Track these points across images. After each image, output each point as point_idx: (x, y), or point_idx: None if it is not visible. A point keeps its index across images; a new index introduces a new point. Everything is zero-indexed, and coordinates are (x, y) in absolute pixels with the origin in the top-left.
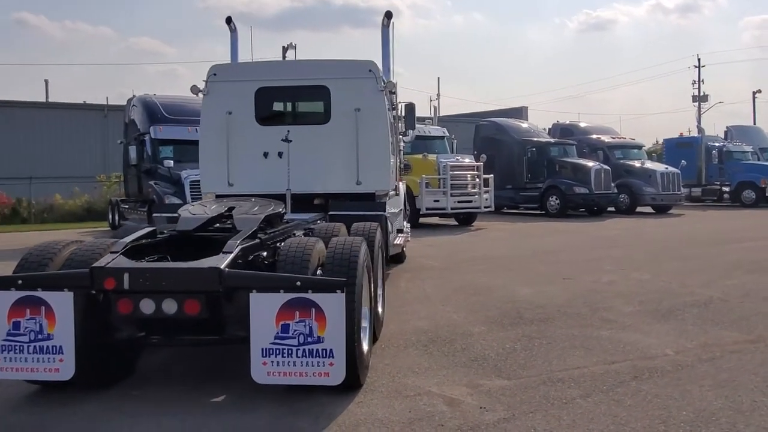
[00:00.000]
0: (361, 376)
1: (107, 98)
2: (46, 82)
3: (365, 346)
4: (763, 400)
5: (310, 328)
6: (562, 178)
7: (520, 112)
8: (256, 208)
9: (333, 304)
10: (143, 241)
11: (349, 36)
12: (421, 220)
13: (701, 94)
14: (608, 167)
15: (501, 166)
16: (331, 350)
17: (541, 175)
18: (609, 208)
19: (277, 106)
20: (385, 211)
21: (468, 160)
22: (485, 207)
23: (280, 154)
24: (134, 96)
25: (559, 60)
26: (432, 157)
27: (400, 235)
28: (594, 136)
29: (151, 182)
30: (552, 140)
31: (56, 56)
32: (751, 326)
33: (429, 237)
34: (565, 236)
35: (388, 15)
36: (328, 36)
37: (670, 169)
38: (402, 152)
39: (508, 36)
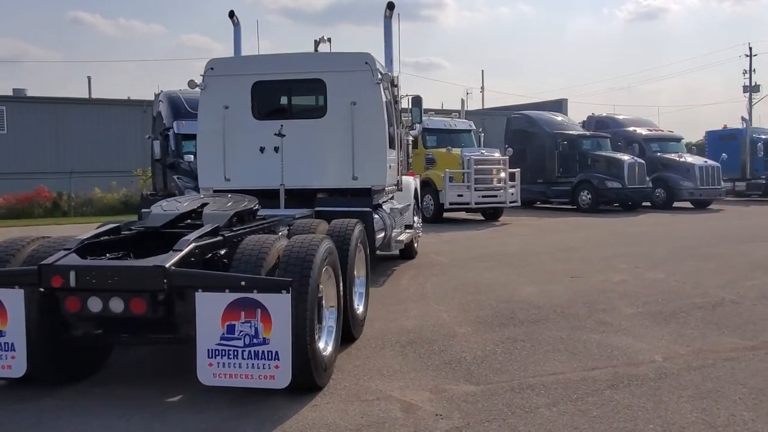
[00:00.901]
0: (318, 379)
1: (155, 94)
2: (89, 78)
3: (327, 348)
4: (742, 414)
5: (256, 329)
6: (595, 172)
7: (559, 105)
8: (229, 204)
9: (278, 304)
10: (104, 238)
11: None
12: (447, 215)
13: (752, 84)
14: (642, 161)
15: (532, 159)
16: (276, 352)
17: (573, 169)
18: (645, 204)
19: (274, 100)
20: (372, 207)
21: (495, 154)
22: (511, 202)
23: (276, 149)
24: (161, 91)
25: (607, 51)
26: (456, 150)
27: (407, 231)
28: (630, 129)
29: (174, 176)
30: (584, 133)
31: (109, 53)
32: (756, 331)
33: (449, 232)
34: (590, 232)
35: (390, 6)
36: (371, 29)
37: (710, 162)
38: (410, 146)
39: (555, 27)
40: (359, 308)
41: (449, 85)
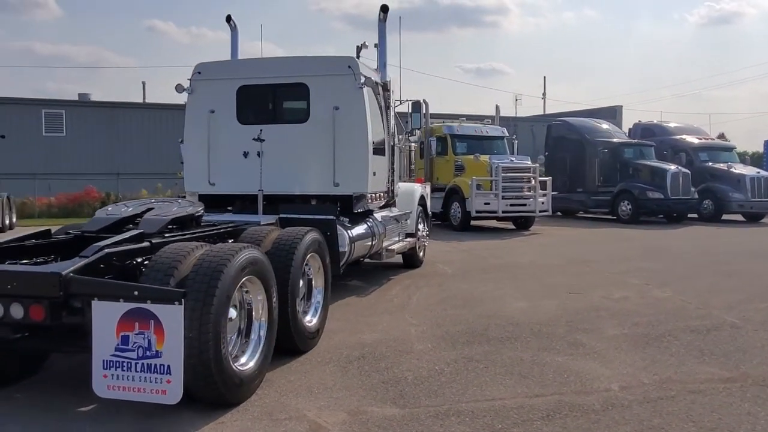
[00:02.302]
0: (230, 394)
1: None
2: (144, 84)
3: (248, 363)
4: None
5: (149, 341)
6: (636, 181)
7: (614, 112)
8: (174, 209)
9: (171, 316)
10: (32, 241)
11: (454, 36)
12: (477, 223)
13: None
14: (687, 171)
15: (572, 168)
16: (168, 366)
17: (613, 178)
18: (691, 216)
19: (259, 105)
20: (336, 215)
21: (526, 162)
22: (541, 211)
23: (259, 154)
24: None
25: (676, 56)
26: (484, 158)
27: (408, 239)
28: (677, 137)
29: None
30: (626, 141)
31: (183, 59)
32: (741, 361)
33: (471, 241)
34: (618, 244)
35: (384, 9)
36: (434, 36)
37: (763, 173)
38: (413, 152)
39: (621, 32)
40: (312, 320)
41: (511, 91)
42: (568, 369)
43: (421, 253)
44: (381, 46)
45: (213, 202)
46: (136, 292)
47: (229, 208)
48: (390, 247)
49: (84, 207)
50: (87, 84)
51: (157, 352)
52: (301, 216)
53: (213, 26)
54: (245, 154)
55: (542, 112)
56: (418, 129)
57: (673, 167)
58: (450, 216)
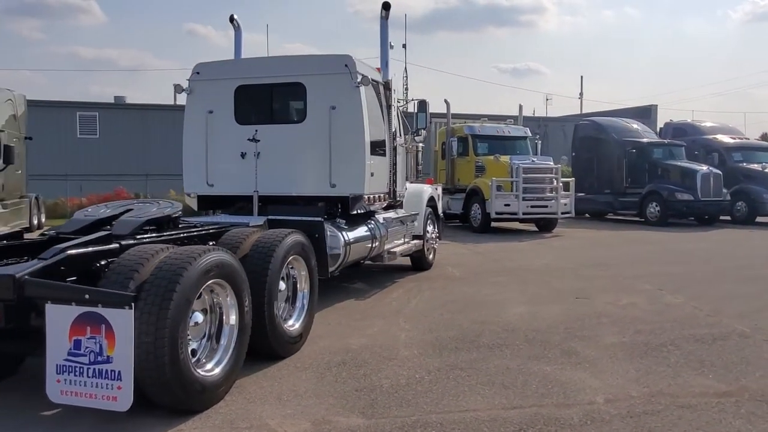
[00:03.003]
0: (191, 401)
1: None
2: (175, 86)
3: (214, 369)
4: None
5: (101, 345)
6: (665, 182)
7: (648, 111)
8: (153, 210)
9: (121, 321)
10: (4, 242)
11: (491, 35)
12: (500, 225)
13: None
14: (719, 171)
15: (600, 168)
16: (119, 372)
17: (642, 179)
18: (724, 218)
19: (256, 105)
20: (324, 217)
21: (548, 162)
22: (563, 213)
23: (257, 154)
24: None
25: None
26: (504, 158)
27: (414, 241)
28: (710, 137)
29: None
30: (655, 141)
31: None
32: (743, 373)
33: (488, 243)
34: (641, 247)
35: (386, 6)
36: (470, 36)
37: None
38: (420, 152)
39: (662, 30)
40: (294, 325)
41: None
42: (555, 379)
43: (431, 256)
44: (383, 45)
45: (212, 203)
46: (87, 296)
47: (218, 210)
48: (392, 250)
49: None
50: (128, 87)
51: (108, 358)
52: (289, 218)
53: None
54: (243, 155)
55: (579, 112)
56: (424, 129)
57: (703, 168)
58: (470, 218)
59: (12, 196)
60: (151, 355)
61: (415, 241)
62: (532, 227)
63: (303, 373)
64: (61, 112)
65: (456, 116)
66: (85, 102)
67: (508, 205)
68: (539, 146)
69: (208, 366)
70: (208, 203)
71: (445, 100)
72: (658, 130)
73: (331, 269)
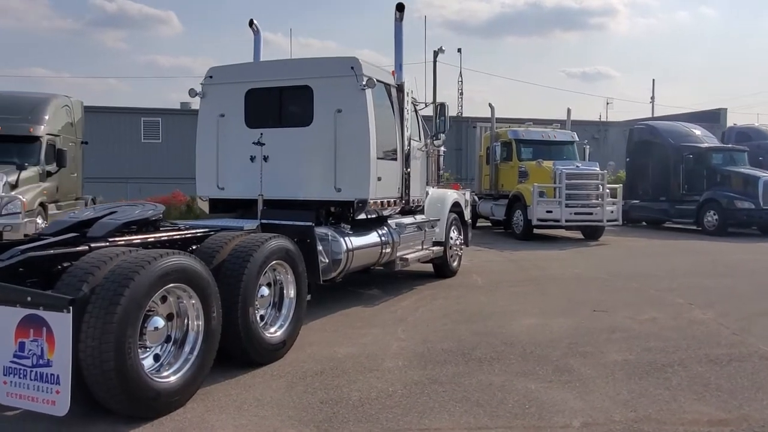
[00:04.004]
0: (141, 408)
1: None
2: (189, 91)
3: (171, 377)
4: None
5: (42, 349)
6: (724, 190)
7: (717, 115)
8: (137, 212)
9: (60, 324)
10: None
11: (559, 39)
12: (545, 232)
13: None
14: None
15: (655, 175)
16: (57, 376)
17: (700, 186)
18: None
19: (266, 108)
20: (314, 222)
21: (594, 168)
22: (609, 221)
23: (266, 158)
24: None
25: None
26: (548, 164)
27: (434, 248)
28: None
29: None
30: (715, 146)
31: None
32: (751, 400)
33: (525, 251)
34: (688, 258)
35: (400, 8)
36: (538, 40)
37: None
38: (442, 157)
39: (742, 31)
40: (276, 332)
41: (617, 95)
42: (536, 398)
43: (455, 263)
44: (397, 47)
45: (223, 207)
46: (29, 298)
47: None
48: (405, 256)
49: (171, 210)
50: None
51: (48, 361)
52: (280, 222)
53: (321, 37)
54: (252, 159)
55: (651, 116)
56: (443, 133)
57: (766, 174)
58: (512, 224)
59: (67, 198)
60: (97, 360)
61: (436, 248)
62: (578, 235)
63: (275, 382)
64: (127, 118)
65: (504, 120)
66: (149, 108)
67: (551, 211)
68: (587, 151)
69: (166, 373)
70: (220, 206)
71: (490, 104)
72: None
73: (332, 275)
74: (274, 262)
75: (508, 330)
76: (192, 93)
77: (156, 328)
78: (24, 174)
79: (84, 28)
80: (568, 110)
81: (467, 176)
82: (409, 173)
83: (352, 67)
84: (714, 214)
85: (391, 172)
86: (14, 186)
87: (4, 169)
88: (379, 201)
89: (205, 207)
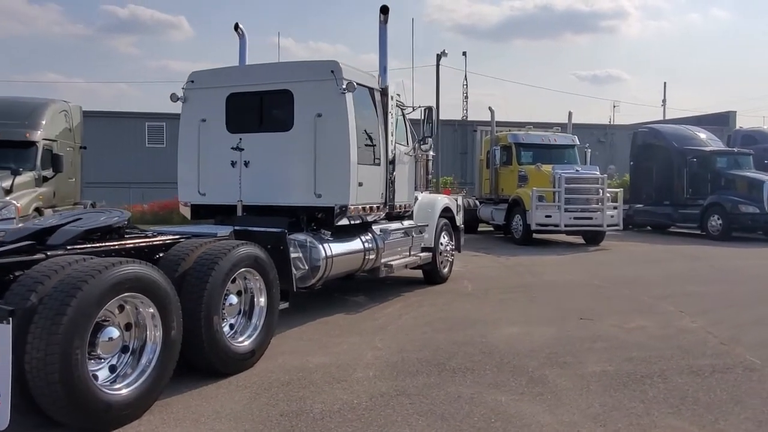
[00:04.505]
0: (91, 421)
1: None
2: (171, 95)
3: (123, 389)
4: None
5: None
6: (729, 194)
7: (725, 118)
8: (102, 218)
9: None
10: None
11: (570, 42)
12: (546, 237)
13: None
14: None
15: (659, 178)
16: None
17: (704, 189)
18: None
19: (247, 113)
20: (286, 229)
21: (594, 172)
22: (609, 225)
23: (246, 163)
24: None
25: None
26: (546, 167)
27: (422, 254)
28: None
29: None
30: (719, 149)
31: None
32: (728, 413)
33: (523, 256)
34: (685, 264)
35: (384, 10)
36: (547, 43)
37: None
38: (431, 162)
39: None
40: (244, 342)
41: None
42: (504, 412)
43: (446, 269)
44: (381, 49)
45: (205, 213)
46: None
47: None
48: (390, 263)
49: (174, 214)
50: None
51: None
52: (252, 228)
53: (332, 41)
54: (233, 164)
55: (571, 119)
56: (430, 137)
57: None
58: (512, 229)
59: (64, 203)
60: (42, 372)
61: (424, 254)
62: (579, 240)
63: (239, 393)
64: (132, 123)
65: (507, 124)
66: (153, 113)
67: (550, 216)
68: (588, 155)
69: (120, 384)
70: (202, 212)
71: (489, 108)
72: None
73: (311, 282)
74: (243, 269)
75: (488, 339)
76: (174, 98)
77: (110, 339)
78: (19, 179)
79: (95, 33)
80: (569, 113)
81: (472, 180)
82: (393, 178)
83: (332, 71)
84: (718, 219)
85: (374, 177)
86: (9, 191)
87: None
88: (360, 207)
89: (186, 213)
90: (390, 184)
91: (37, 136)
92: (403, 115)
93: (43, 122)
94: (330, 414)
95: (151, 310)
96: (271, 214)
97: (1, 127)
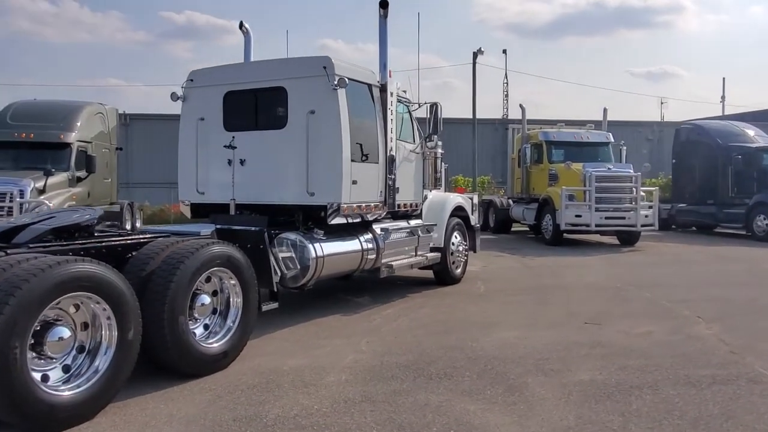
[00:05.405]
0: (36, 423)
1: None
2: (171, 94)
3: (67, 392)
4: None
5: None
6: None
7: None
8: (75, 216)
9: None
10: None
11: (624, 39)
12: (580, 237)
13: None
14: None
15: (702, 177)
16: None
17: (750, 188)
18: None
19: (243, 111)
20: (265, 227)
21: (627, 170)
22: (643, 225)
23: (242, 162)
24: None
25: None
26: (577, 166)
27: (430, 254)
28: None
29: None
30: (766, 146)
31: None
32: (712, 430)
33: (549, 257)
34: (720, 267)
35: (383, 5)
36: (600, 40)
37: None
38: (439, 159)
39: None
40: (215, 343)
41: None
42: (467, 422)
43: (458, 270)
44: (381, 45)
45: (204, 211)
46: None
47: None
48: (391, 263)
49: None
50: None
51: None
52: (233, 227)
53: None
54: (229, 162)
55: (606, 116)
56: (435, 134)
57: None
58: (542, 229)
59: (100, 203)
60: None
61: (432, 254)
62: (614, 241)
63: (200, 396)
64: (172, 125)
65: (531, 122)
66: None
67: (580, 216)
68: (624, 153)
69: (70, 385)
70: (201, 211)
71: (521, 105)
72: None
73: (301, 282)
74: (215, 269)
75: (479, 343)
76: (174, 97)
77: (61, 338)
78: (52, 179)
79: (155, 39)
80: (605, 110)
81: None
82: (394, 176)
83: (324, 67)
84: (764, 219)
85: (370, 175)
86: (42, 191)
87: (33, 174)
88: (355, 205)
89: (186, 212)
90: (390, 182)
91: (72, 137)
92: (410, 112)
93: (78, 124)
94: (284, 420)
95: (105, 309)
96: (266, 212)
97: (38, 129)
